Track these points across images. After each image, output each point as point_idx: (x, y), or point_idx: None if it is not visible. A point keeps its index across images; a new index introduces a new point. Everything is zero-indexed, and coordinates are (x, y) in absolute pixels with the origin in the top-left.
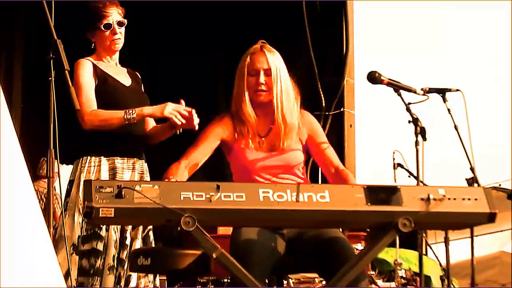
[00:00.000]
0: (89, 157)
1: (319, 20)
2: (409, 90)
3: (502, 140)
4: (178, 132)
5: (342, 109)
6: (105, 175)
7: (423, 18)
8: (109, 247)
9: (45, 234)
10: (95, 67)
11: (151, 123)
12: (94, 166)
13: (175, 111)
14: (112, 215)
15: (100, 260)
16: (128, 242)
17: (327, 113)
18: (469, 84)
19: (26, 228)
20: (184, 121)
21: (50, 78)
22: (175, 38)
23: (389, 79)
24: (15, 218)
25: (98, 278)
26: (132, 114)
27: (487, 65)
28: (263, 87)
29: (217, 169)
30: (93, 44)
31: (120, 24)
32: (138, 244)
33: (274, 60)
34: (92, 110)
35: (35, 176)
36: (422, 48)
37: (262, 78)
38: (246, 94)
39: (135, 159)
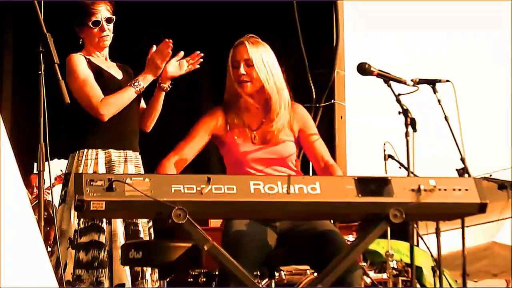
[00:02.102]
0: (85, 150)
1: (310, 13)
2: (399, 81)
3: (502, 140)
4: (168, 89)
5: (332, 101)
6: (102, 168)
7: (420, 15)
8: (115, 240)
9: (36, 234)
10: (88, 61)
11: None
12: (91, 159)
13: (175, 65)
14: (103, 208)
15: (104, 252)
16: (142, 235)
17: (317, 105)
18: (467, 83)
19: (16, 227)
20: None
21: (39, 72)
22: (166, 35)
23: (379, 70)
24: (4, 217)
25: (104, 271)
26: (140, 85)
27: (484, 65)
28: (245, 78)
29: (206, 162)
30: (81, 40)
31: (108, 20)
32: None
33: (255, 50)
34: (102, 100)
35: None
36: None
37: (242, 69)
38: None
39: (130, 151)
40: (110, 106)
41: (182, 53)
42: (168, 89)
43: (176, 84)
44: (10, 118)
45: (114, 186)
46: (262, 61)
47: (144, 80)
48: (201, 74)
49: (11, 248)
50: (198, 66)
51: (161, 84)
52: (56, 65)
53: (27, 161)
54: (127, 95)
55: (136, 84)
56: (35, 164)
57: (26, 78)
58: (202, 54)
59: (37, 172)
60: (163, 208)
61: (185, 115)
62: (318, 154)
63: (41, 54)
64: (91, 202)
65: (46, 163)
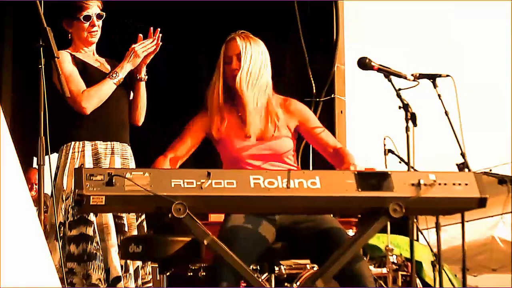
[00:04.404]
0: (72, 143)
1: (310, 7)
2: (399, 75)
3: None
4: (144, 78)
5: (332, 96)
6: (88, 160)
7: (419, 12)
8: (108, 233)
9: (38, 231)
10: (73, 57)
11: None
12: (78, 151)
13: (145, 48)
14: (103, 203)
15: (91, 244)
16: (126, 228)
17: (317, 99)
18: (466, 81)
19: (17, 223)
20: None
21: (40, 66)
22: (168, 32)
23: (380, 65)
24: (5, 212)
25: (92, 263)
26: (118, 76)
27: (483, 63)
28: (237, 73)
29: (207, 157)
30: (70, 35)
31: (98, 16)
32: (135, 232)
33: (244, 44)
34: (83, 92)
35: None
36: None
37: (234, 64)
38: (220, 83)
39: (118, 143)
40: (91, 99)
41: (141, 36)
42: (146, 77)
43: (176, 80)
44: (9, 112)
45: (114, 181)
46: (246, 54)
47: (122, 71)
48: (201, 69)
49: (12, 245)
50: (161, 42)
51: (137, 75)
52: (56, 59)
53: (25, 155)
54: (107, 87)
55: (114, 75)
56: (35, 159)
57: (26, 73)
58: (159, 29)
59: (35, 166)
60: (163, 202)
61: (185, 112)
62: (324, 143)
63: (41, 48)
64: (91, 197)
65: (46, 157)
